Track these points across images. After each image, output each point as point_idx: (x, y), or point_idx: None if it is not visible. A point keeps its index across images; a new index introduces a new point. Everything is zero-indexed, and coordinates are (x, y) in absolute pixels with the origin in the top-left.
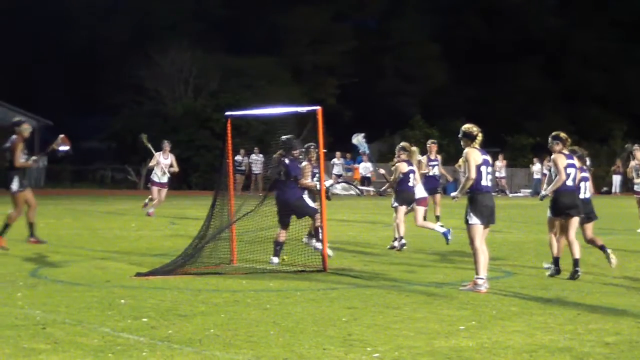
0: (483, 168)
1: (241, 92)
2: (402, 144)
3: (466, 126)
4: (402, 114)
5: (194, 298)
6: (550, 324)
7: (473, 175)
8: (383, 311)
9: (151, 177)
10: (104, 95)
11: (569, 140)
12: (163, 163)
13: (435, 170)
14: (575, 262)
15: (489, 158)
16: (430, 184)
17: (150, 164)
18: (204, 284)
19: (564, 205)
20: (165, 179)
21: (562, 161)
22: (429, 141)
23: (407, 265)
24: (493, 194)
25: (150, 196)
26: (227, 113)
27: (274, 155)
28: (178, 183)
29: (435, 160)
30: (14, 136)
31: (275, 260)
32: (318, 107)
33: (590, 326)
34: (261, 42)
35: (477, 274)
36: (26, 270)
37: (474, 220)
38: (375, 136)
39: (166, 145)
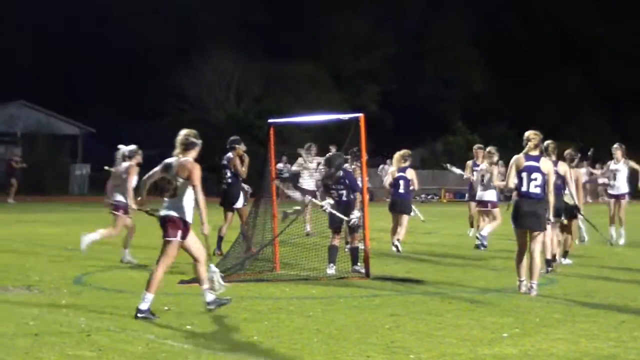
0: (524, 174)
1: (283, 98)
2: (403, 151)
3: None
4: (443, 120)
5: (237, 305)
6: (594, 332)
7: (509, 181)
8: (426, 318)
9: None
10: (147, 102)
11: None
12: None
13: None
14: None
15: (536, 164)
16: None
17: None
18: (246, 291)
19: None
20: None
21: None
22: (475, 146)
23: (450, 272)
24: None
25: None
26: (270, 120)
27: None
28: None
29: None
30: (230, 154)
31: (331, 270)
32: (360, 115)
33: (635, 333)
34: (302, 48)
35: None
36: (70, 277)
37: (513, 224)
38: (417, 142)
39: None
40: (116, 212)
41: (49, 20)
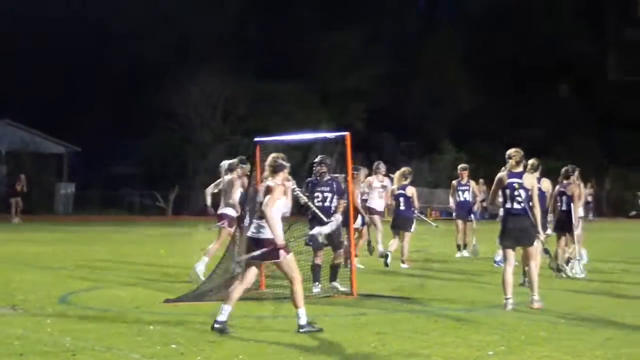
0: (508, 191)
1: (270, 116)
2: (403, 169)
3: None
4: (430, 138)
5: None
6: (580, 349)
7: (490, 198)
8: (412, 336)
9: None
10: (134, 120)
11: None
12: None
13: (467, 195)
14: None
15: (519, 181)
16: (463, 209)
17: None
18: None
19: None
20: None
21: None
22: (460, 167)
23: (437, 289)
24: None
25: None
26: (256, 139)
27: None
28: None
29: (467, 185)
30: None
31: (317, 289)
32: (346, 133)
33: (622, 350)
34: (289, 66)
35: None
36: (55, 296)
37: (499, 241)
38: (404, 160)
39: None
40: (221, 225)
41: (34, 39)
